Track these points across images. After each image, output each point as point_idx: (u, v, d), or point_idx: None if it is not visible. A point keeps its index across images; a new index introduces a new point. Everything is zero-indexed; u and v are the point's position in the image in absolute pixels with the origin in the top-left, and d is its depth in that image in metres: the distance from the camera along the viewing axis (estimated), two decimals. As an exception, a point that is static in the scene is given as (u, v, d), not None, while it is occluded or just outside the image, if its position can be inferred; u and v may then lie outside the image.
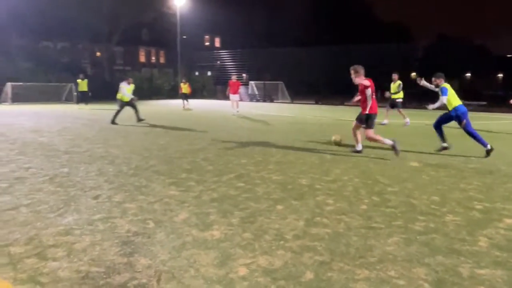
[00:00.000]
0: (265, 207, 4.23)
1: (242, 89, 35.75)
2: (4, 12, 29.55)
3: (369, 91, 7.11)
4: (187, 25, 39.86)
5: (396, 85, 13.48)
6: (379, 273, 2.79)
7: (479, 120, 15.14)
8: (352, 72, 7.31)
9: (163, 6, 35.70)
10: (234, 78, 19.18)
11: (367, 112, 7.20)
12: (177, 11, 32.92)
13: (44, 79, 26.92)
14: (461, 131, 7.78)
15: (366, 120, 7.25)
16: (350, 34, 50.05)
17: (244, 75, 36.77)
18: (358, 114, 7.49)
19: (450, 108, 7.64)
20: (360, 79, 7.20)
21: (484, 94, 30.29)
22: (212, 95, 36.39)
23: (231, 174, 5.70)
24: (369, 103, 7.16)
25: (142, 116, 13.04)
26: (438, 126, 7.97)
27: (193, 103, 19.65)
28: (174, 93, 34.62)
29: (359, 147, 7.75)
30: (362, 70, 7.29)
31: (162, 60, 55.08)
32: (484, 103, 26.47)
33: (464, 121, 7.51)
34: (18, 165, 6.14)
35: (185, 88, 21.24)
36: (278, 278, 2.70)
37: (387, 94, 13.71)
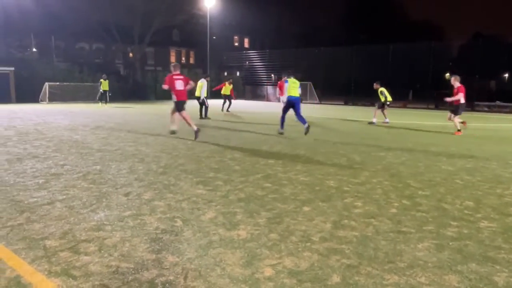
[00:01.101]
0: (292, 208, 4.21)
1: (270, 89, 35.89)
2: (43, 16, 30.88)
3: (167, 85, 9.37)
4: (217, 26, 40.31)
5: (379, 92, 14.39)
6: (409, 279, 2.71)
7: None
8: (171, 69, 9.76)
9: (194, 7, 36.20)
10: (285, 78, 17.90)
11: (176, 100, 9.50)
12: (207, 12, 33.32)
13: (79, 79, 27.92)
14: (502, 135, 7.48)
15: (177, 106, 9.56)
16: (382, 33, 49.09)
17: (272, 75, 36.76)
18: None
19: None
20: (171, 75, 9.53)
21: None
22: (241, 95, 36.62)
23: (258, 174, 5.71)
24: (174, 94, 9.43)
25: (205, 115, 14.78)
26: (283, 113, 10.58)
27: (221, 103, 19.66)
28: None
29: (173, 127, 9.90)
30: (178, 68, 9.73)
31: (191, 60, 55.86)
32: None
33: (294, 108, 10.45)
34: (54, 161, 6.39)
35: (227, 89, 18.38)
36: (304, 280, 2.68)
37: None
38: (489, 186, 5.30)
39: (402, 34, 46.42)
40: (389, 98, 14.35)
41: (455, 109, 11.42)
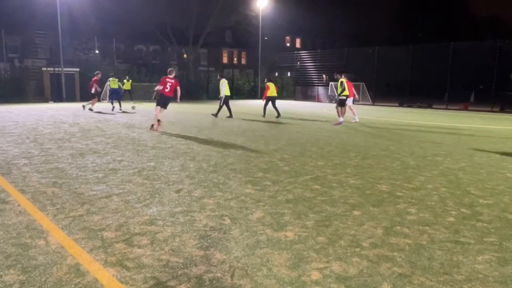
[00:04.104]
0: (341, 211, 4.11)
1: (321, 90, 35.41)
2: (106, 20, 32.84)
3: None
4: (269, 26, 40.47)
5: (339, 84, 13.86)
6: (467, 293, 2.54)
7: None
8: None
9: (247, 8, 36.63)
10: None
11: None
12: (259, 13, 33.57)
13: (138, 79, 29.29)
14: None
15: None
16: (441, 31, 46.69)
17: (324, 76, 36.25)
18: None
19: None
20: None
21: None
22: (291, 96, 36.53)
23: (307, 176, 5.65)
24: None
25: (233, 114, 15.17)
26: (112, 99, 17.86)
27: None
28: (254, 94, 35.40)
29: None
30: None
31: (243, 61, 56.57)
32: None
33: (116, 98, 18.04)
34: (112, 157, 6.76)
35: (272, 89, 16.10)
36: (352, 286, 2.60)
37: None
38: (561, 197, 4.84)
39: (464, 31, 43.87)
40: (346, 92, 13.60)
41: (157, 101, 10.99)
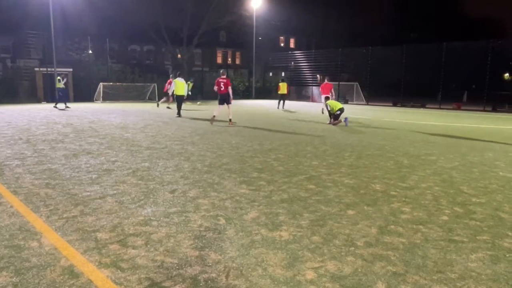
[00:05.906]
0: (336, 211, 4.13)
1: (315, 90, 35.45)
2: (99, 20, 32.67)
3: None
4: (263, 26, 40.49)
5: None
6: (460, 291, 2.56)
7: None
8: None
9: (241, 8, 36.58)
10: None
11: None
12: (253, 13, 33.55)
13: (131, 79, 29.16)
14: None
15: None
16: (435, 31, 47.04)
17: (318, 76, 36.31)
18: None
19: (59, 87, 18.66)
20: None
21: None
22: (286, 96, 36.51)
23: (301, 176, 5.66)
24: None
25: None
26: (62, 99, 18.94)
27: (266, 103, 19.72)
28: (248, 94, 35.39)
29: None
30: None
31: (238, 61, 56.53)
32: None
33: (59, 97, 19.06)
34: (106, 158, 6.72)
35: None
36: (347, 285, 2.61)
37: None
38: (553, 195, 4.89)
39: (457, 32, 44.25)
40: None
41: None
